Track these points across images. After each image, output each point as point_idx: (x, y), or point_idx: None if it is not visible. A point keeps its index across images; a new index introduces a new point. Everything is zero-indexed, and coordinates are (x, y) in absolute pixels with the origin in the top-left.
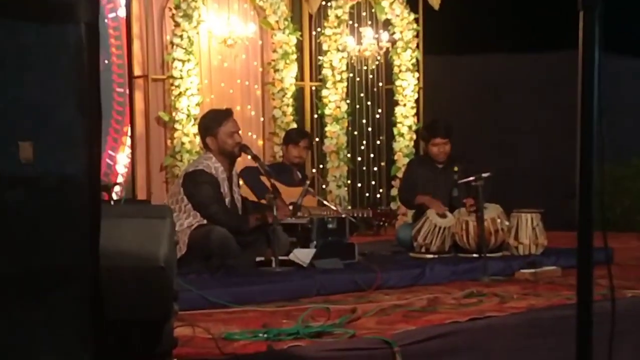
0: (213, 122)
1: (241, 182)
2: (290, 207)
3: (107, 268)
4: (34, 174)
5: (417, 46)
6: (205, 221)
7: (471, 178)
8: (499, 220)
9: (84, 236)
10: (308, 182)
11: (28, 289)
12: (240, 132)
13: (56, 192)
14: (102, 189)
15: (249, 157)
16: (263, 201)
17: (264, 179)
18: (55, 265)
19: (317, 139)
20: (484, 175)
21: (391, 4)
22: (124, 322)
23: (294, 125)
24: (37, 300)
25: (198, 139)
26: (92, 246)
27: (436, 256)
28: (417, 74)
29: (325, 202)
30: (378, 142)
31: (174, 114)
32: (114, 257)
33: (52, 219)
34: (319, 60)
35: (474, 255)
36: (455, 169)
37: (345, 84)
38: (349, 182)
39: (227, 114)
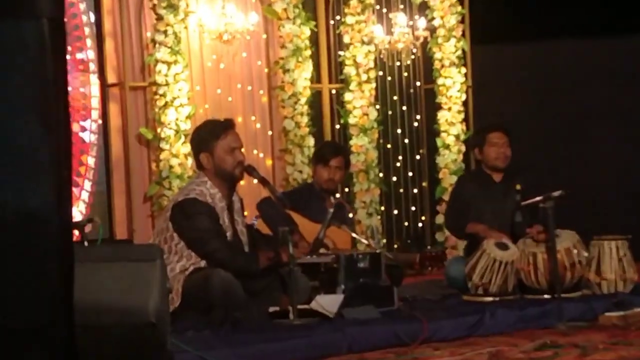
0: (209, 134)
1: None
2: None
3: (85, 327)
4: None
5: (463, 34)
6: (202, 263)
7: (538, 198)
8: (575, 251)
9: (52, 286)
10: (331, 210)
11: None
12: (242, 148)
13: (15, 230)
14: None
15: (255, 180)
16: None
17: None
18: (16, 325)
19: None
20: (555, 194)
21: None
22: None
23: (310, 140)
24: None
25: (190, 161)
26: (65, 299)
27: (497, 299)
28: (464, 69)
29: (354, 235)
30: (417, 157)
31: (158, 130)
32: (92, 312)
33: (10, 265)
34: (340, 56)
35: (546, 296)
36: (518, 186)
37: (373, 84)
38: (382, 208)
39: (227, 125)
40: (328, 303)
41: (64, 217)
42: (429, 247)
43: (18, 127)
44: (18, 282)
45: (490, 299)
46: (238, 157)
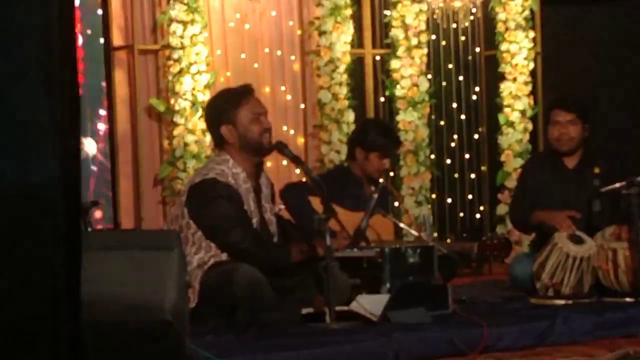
0: (228, 102)
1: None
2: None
3: (93, 324)
4: None
5: None
6: (223, 256)
7: (620, 184)
8: None
9: (57, 275)
10: (375, 196)
11: None
12: (267, 114)
13: (14, 208)
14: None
15: (286, 159)
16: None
17: (315, 201)
18: (14, 319)
19: None
20: None
21: None
22: None
23: (349, 115)
24: None
25: (209, 138)
26: (70, 291)
27: (570, 301)
28: (532, 33)
29: (402, 225)
30: (476, 137)
31: (172, 101)
32: (99, 307)
33: (7, 249)
34: (386, 16)
35: (628, 299)
36: (597, 170)
37: (424, 50)
38: (433, 196)
39: (245, 91)
40: (371, 304)
41: (70, 194)
42: (489, 234)
43: (16, 89)
44: (17, 270)
45: (562, 302)
46: (264, 123)
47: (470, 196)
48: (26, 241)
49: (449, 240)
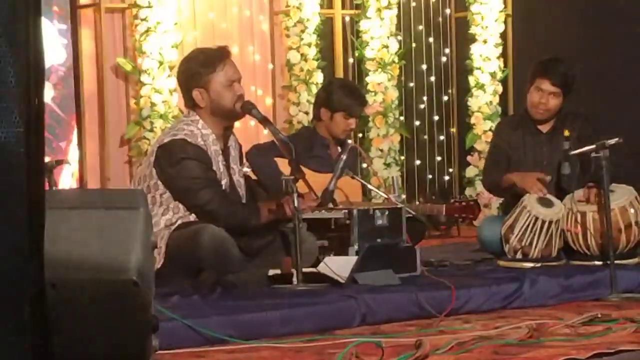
0: (202, 66)
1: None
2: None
3: (54, 283)
4: None
5: None
6: (191, 216)
7: (590, 147)
8: (632, 210)
9: (19, 235)
10: (344, 157)
11: None
12: (241, 79)
13: None
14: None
15: (254, 119)
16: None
17: (282, 163)
18: None
19: None
20: (610, 142)
21: None
22: None
23: (318, 76)
24: None
25: (176, 98)
26: (33, 251)
27: (539, 264)
28: None
29: (370, 187)
30: (445, 98)
31: (139, 60)
32: (63, 267)
33: None
34: None
35: (596, 262)
36: (567, 133)
37: (394, 11)
38: (402, 158)
39: (222, 54)
40: (339, 266)
41: (34, 152)
42: (457, 196)
43: None
44: None
45: (530, 264)
46: (238, 90)
47: (439, 158)
48: None
49: (417, 203)
